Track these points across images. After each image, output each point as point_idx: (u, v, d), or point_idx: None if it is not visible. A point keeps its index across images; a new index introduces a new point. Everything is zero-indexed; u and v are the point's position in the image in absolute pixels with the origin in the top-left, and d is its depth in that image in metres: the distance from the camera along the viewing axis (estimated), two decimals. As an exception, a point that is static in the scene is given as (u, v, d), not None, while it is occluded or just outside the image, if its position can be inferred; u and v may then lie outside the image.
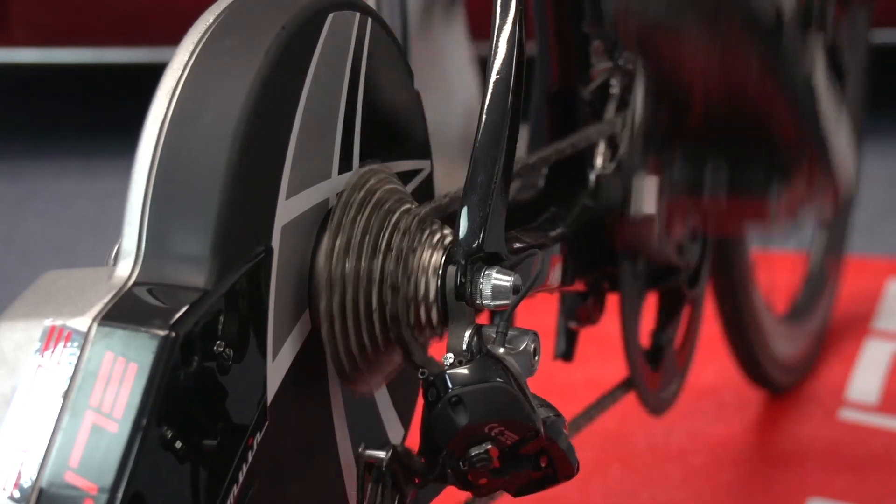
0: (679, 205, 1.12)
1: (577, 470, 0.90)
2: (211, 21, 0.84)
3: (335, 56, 0.89)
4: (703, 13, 0.99)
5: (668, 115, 1.07)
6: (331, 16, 0.87)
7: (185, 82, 0.81)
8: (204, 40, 0.83)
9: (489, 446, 0.85)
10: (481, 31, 1.02)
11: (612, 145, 1.27)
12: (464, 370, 0.85)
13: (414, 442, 0.90)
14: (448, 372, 0.85)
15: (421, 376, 0.86)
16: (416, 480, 0.88)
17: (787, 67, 1.03)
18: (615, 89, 1.29)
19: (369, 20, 0.92)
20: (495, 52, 0.92)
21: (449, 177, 1.04)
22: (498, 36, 0.93)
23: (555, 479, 0.89)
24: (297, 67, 0.84)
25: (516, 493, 0.90)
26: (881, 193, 2.74)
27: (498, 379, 0.85)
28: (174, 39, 0.85)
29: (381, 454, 0.86)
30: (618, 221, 1.17)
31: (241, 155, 0.79)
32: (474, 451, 0.85)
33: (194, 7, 0.89)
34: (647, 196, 1.16)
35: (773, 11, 1.00)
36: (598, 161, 1.27)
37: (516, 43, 0.92)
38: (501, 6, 0.93)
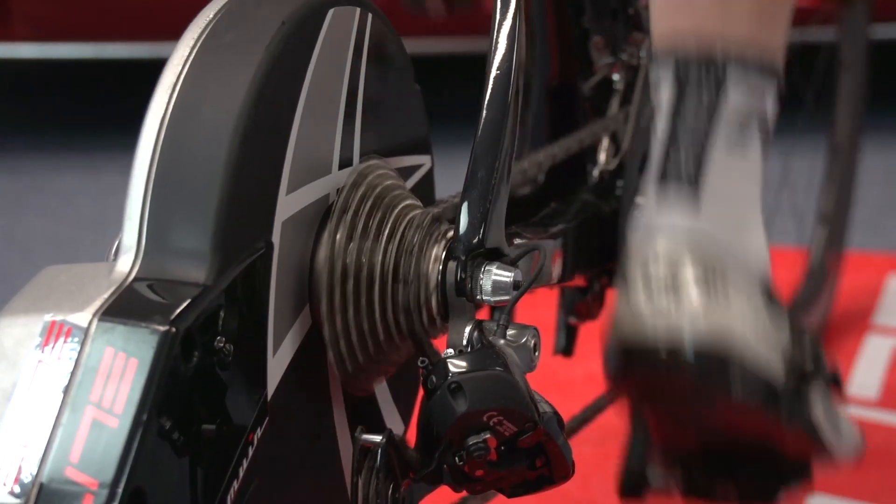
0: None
1: (573, 471, 0.90)
2: (211, 16, 0.84)
3: (336, 51, 0.89)
4: (699, 406, 1.07)
5: (664, 446, 1.15)
6: (331, 11, 0.87)
7: (185, 77, 0.81)
8: (204, 35, 0.83)
9: (487, 436, 0.85)
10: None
11: (615, 141, 1.27)
12: (464, 358, 0.85)
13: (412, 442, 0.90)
14: (448, 359, 0.85)
15: (421, 365, 0.86)
16: (411, 475, 0.88)
17: (788, 419, 1.11)
18: (618, 85, 1.29)
19: (370, 15, 0.92)
20: (495, 48, 0.92)
21: None
22: (498, 31, 0.93)
23: (550, 479, 0.89)
24: (297, 62, 0.84)
25: (511, 494, 0.90)
26: (881, 189, 2.74)
27: (498, 368, 0.85)
28: (174, 35, 0.85)
29: (377, 438, 0.86)
30: None
31: (241, 150, 0.79)
32: (472, 440, 0.85)
33: (194, 2, 0.89)
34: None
35: (767, 386, 1.07)
36: (602, 157, 1.27)
37: (516, 38, 0.92)
38: (501, 2, 0.93)
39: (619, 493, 1.22)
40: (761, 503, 1.16)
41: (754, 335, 1.06)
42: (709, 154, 1.06)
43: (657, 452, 1.16)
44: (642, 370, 1.05)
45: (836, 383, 1.16)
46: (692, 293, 1.03)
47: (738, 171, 1.08)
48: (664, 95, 1.07)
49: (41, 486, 0.69)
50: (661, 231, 1.05)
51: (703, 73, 1.06)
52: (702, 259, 1.04)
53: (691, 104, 1.06)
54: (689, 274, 1.04)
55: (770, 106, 1.09)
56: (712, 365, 1.04)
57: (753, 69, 1.06)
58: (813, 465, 1.16)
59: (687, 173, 1.06)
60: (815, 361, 1.13)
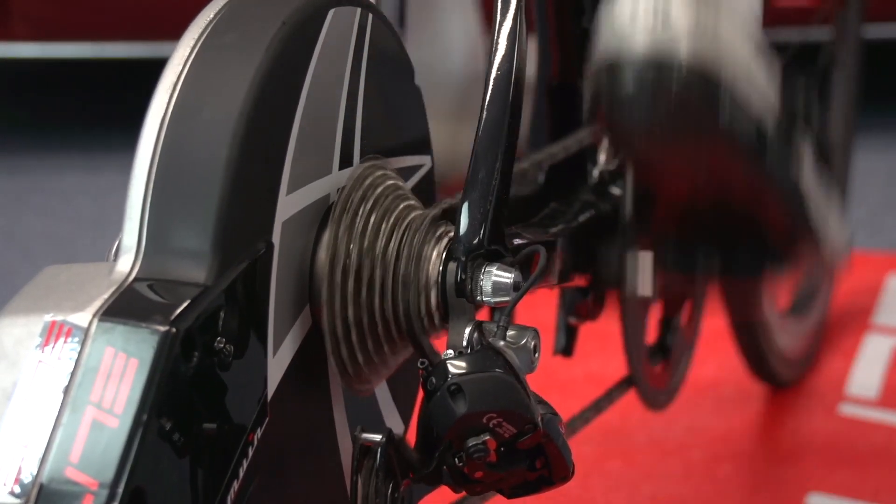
0: (673, 282, 1.15)
1: (573, 472, 0.90)
2: (212, 16, 0.84)
3: (336, 51, 0.89)
4: (685, 132, 1.02)
5: (655, 207, 1.12)
6: (332, 11, 0.87)
7: (185, 77, 0.81)
8: (205, 35, 0.83)
9: (487, 437, 0.85)
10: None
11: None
12: (464, 359, 0.85)
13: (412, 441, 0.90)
14: (448, 361, 0.85)
15: (421, 366, 0.86)
16: (411, 475, 0.88)
17: (775, 174, 1.06)
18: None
19: (370, 15, 0.92)
20: (496, 48, 0.92)
21: (444, 135, 1.05)
22: (499, 31, 0.93)
23: (550, 481, 0.89)
24: (297, 63, 0.84)
25: (510, 495, 0.90)
26: (881, 188, 2.74)
27: (497, 369, 0.85)
28: (175, 34, 0.85)
29: (377, 437, 0.86)
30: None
31: (241, 150, 0.79)
32: (472, 442, 0.85)
33: (195, 2, 0.89)
34: (642, 276, 1.16)
35: (755, 129, 1.03)
36: (602, 157, 1.27)
37: (517, 38, 0.92)
38: (502, 2, 0.93)
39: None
40: (742, 277, 1.11)
41: (744, 73, 1.01)
42: None
43: (647, 219, 1.12)
44: (628, 89, 1.01)
45: (825, 157, 1.10)
46: (681, 14, 0.99)
47: None
48: None
49: (41, 486, 0.69)
50: None
51: None
52: None
53: None
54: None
55: None
56: (700, 88, 0.99)
57: None
58: (796, 256, 1.12)
59: None
60: (807, 107, 1.09)
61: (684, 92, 0.99)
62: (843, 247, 1.18)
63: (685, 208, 1.10)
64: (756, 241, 1.11)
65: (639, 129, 1.04)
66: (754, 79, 1.03)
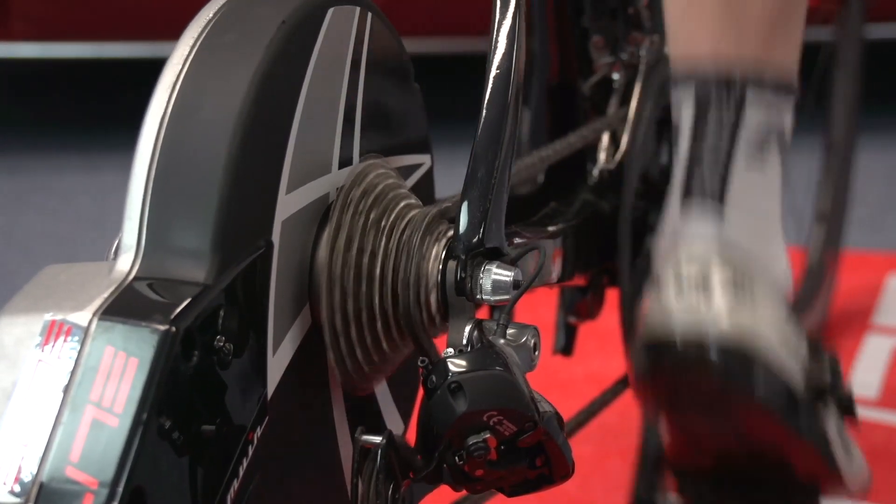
0: None
1: (573, 470, 0.90)
2: (211, 15, 0.84)
3: (335, 50, 0.89)
4: (723, 405, 1.09)
5: (678, 464, 1.18)
6: (331, 10, 0.87)
7: (185, 77, 0.81)
8: (204, 34, 0.83)
9: (487, 435, 0.85)
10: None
11: (615, 140, 1.28)
12: (464, 358, 0.86)
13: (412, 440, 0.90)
14: (448, 359, 0.85)
15: (421, 364, 0.86)
16: (411, 474, 0.88)
17: (805, 431, 1.13)
18: (618, 84, 1.30)
19: (370, 15, 0.92)
20: (495, 47, 0.92)
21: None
22: (498, 31, 0.93)
23: (550, 479, 0.89)
24: (297, 62, 0.84)
25: (510, 493, 0.90)
26: (881, 188, 2.74)
27: (498, 367, 0.85)
28: (174, 34, 0.85)
29: (378, 439, 0.86)
30: None
31: (241, 149, 0.79)
32: (472, 440, 0.85)
33: (195, 2, 0.89)
34: None
35: (786, 392, 1.10)
36: (602, 156, 1.27)
37: (516, 38, 0.93)
38: (501, 1, 0.93)
39: None
40: None
41: (778, 341, 1.09)
42: (731, 171, 1.10)
43: (670, 473, 1.19)
44: (669, 366, 1.07)
45: (850, 411, 1.18)
46: (721, 293, 1.06)
47: (758, 186, 1.11)
48: (685, 116, 1.10)
49: (41, 485, 0.69)
50: (690, 236, 1.09)
51: (722, 95, 1.09)
52: (731, 263, 1.07)
53: (712, 124, 1.10)
54: (718, 275, 1.07)
55: (788, 121, 1.14)
56: (737, 363, 1.06)
57: (770, 88, 1.09)
58: (822, 490, 1.19)
59: (711, 190, 1.09)
60: (833, 379, 1.15)
61: (723, 369, 1.06)
62: (865, 478, 1.26)
63: (710, 474, 1.17)
64: (781, 491, 1.19)
65: (675, 407, 1.12)
66: (788, 348, 1.11)
